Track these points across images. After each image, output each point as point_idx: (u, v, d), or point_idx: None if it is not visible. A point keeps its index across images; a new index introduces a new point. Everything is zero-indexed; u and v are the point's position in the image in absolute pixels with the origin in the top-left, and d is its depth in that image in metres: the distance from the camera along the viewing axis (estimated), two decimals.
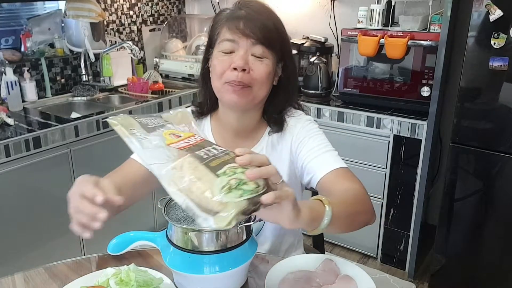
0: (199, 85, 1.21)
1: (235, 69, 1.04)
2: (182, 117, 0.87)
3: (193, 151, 0.74)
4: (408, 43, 2.20)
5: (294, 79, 1.18)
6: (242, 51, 1.05)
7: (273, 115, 1.17)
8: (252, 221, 0.89)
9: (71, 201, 0.78)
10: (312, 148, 1.12)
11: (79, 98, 2.64)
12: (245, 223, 0.86)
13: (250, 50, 1.05)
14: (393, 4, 2.37)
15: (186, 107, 1.15)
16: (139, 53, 2.82)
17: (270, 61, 1.07)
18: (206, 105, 1.20)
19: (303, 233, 1.37)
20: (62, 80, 2.70)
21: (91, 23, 2.60)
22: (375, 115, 2.30)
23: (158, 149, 0.75)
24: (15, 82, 2.29)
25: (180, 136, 0.79)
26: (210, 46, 1.13)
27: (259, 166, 0.72)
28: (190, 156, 0.72)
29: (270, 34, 1.05)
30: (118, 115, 0.81)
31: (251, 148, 1.16)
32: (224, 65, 1.06)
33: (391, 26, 2.35)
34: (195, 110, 1.21)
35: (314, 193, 1.39)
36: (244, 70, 1.04)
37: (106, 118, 0.82)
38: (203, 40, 3.03)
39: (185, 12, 3.45)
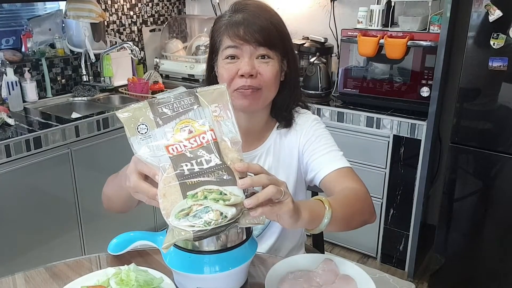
0: None
1: (243, 75, 1.05)
2: (217, 95, 0.81)
3: (180, 162, 0.74)
4: (408, 43, 2.21)
5: (296, 73, 1.19)
6: (247, 57, 1.06)
7: (281, 112, 1.19)
8: None
9: (130, 179, 0.78)
10: (318, 147, 1.14)
11: (79, 98, 2.64)
12: None
13: (254, 54, 1.06)
14: (392, 4, 2.37)
15: None
16: (140, 54, 2.83)
17: (275, 61, 1.09)
18: None
19: None
20: (63, 81, 2.70)
21: (92, 24, 2.60)
22: (375, 115, 2.30)
23: (157, 147, 0.76)
24: (16, 82, 2.29)
25: (191, 132, 0.77)
26: (213, 53, 1.14)
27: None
28: (171, 168, 0.73)
29: (270, 35, 1.06)
30: (132, 107, 0.79)
31: (259, 147, 1.19)
32: (231, 72, 1.07)
33: (390, 26, 2.36)
34: None
35: (314, 193, 1.40)
36: (252, 75, 1.06)
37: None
38: (203, 40, 3.03)
39: (185, 13, 3.45)
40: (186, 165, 0.74)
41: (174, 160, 0.74)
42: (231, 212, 0.69)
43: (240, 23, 1.05)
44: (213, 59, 1.14)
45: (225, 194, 0.70)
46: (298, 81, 1.23)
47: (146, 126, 0.77)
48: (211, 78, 1.17)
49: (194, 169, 0.73)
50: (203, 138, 0.76)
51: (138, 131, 0.77)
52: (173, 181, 0.72)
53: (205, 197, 0.70)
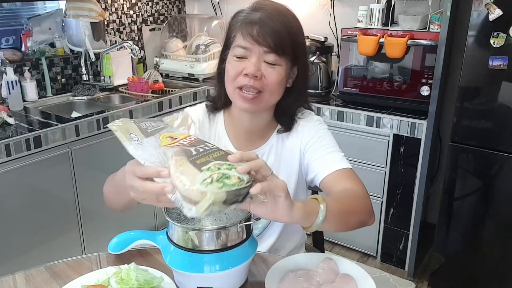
0: (215, 81, 1.22)
1: (247, 75, 1.05)
2: (182, 120, 0.92)
3: (184, 150, 0.78)
4: (408, 42, 2.20)
5: (305, 81, 1.19)
6: (255, 58, 1.06)
7: (282, 116, 1.19)
8: (254, 219, 0.90)
9: (135, 186, 0.78)
10: (318, 148, 1.14)
11: (79, 97, 2.64)
12: (245, 222, 0.87)
13: (262, 57, 1.06)
14: (392, 3, 2.37)
15: (199, 102, 1.25)
16: (139, 53, 2.83)
17: (282, 67, 1.08)
18: (220, 100, 1.22)
19: None
20: (63, 80, 2.70)
21: (92, 23, 2.60)
22: (375, 115, 2.30)
23: (153, 150, 0.79)
24: (16, 81, 2.29)
25: (175, 139, 0.83)
26: (226, 47, 1.14)
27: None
28: (179, 155, 0.77)
29: (282, 41, 1.05)
30: (119, 120, 0.85)
31: (261, 146, 1.20)
32: (237, 70, 1.07)
33: (390, 25, 2.35)
34: (209, 105, 1.24)
35: (315, 193, 1.40)
36: (256, 76, 1.05)
37: (107, 117, 0.85)
38: (203, 39, 3.03)
39: (185, 12, 3.45)
40: (191, 150, 0.78)
41: (178, 149, 0.79)
42: (245, 176, 0.74)
43: (256, 22, 1.05)
44: (225, 53, 1.14)
45: (233, 165, 0.75)
46: (305, 89, 1.22)
47: (136, 136, 0.82)
48: (221, 70, 1.17)
49: (199, 149, 0.79)
50: (190, 138, 0.84)
51: (132, 138, 0.81)
52: (185, 162, 0.75)
53: (218, 169, 0.73)
